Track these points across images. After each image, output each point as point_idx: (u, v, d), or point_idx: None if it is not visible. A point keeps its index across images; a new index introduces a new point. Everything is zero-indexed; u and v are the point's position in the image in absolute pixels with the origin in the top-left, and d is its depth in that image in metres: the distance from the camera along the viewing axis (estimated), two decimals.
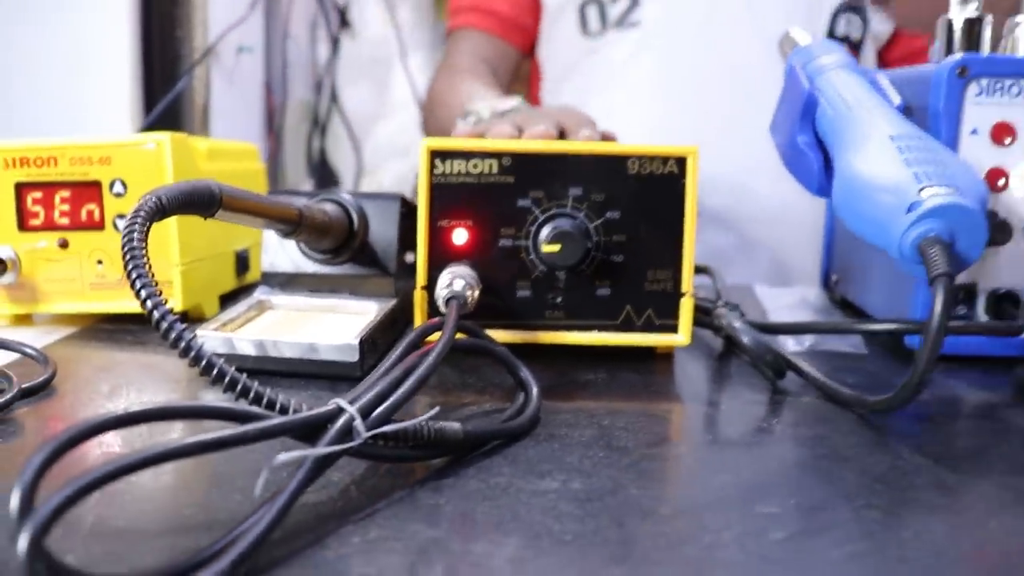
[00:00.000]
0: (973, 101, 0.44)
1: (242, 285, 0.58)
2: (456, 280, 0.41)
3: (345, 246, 0.49)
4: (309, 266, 0.49)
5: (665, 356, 0.46)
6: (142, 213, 0.31)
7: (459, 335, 0.40)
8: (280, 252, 0.50)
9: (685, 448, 0.34)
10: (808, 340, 0.49)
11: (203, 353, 0.28)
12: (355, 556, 0.24)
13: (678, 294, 0.44)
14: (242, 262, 0.58)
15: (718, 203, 0.84)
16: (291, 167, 1.08)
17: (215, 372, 0.28)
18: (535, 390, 0.37)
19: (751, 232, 0.87)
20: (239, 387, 0.28)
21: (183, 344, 0.28)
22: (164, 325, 0.28)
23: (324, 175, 1.14)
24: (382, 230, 0.48)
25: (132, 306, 0.29)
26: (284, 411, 0.28)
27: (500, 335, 0.43)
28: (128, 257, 0.30)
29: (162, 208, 0.32)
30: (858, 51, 0.97)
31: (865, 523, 0.27)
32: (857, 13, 0.93)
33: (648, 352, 0.46)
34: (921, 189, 0.36)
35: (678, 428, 0.37)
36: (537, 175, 0.43)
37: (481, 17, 0.99)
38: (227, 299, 0.54)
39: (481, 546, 0.25)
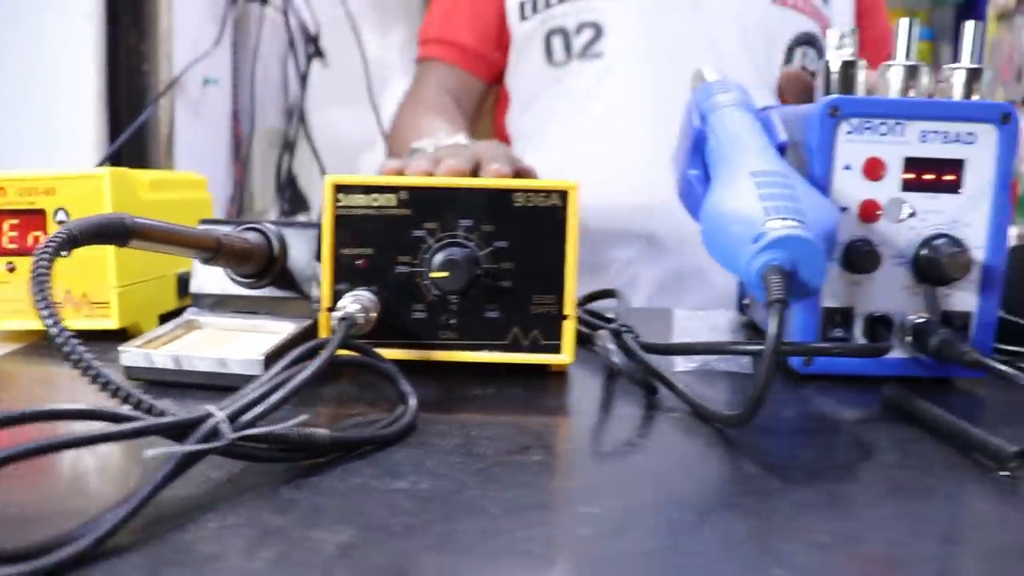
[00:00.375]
0: (845, 139, 0.48)
1: (184, 306, 0.61)
2: (351, 303, 0.45)
3: (267, 271, 0.52)
4: (234, 289, 0.53)
5: (559, 374, 0.49)
6: (53, 243, 0.34)
7: (349, 352, 0.44)
8: (208, 276, 0.54)
9: (541, 456, 0.37)
10: (698, 360, 0.52)
11: (91, 365, 0.32)
12: (207, 539, 0.28)
13: (561, 316, 0.47)
14: (183, 284, 0.61)
15: (675, 229, 0.87)
16: (259, 194, 1.13)
17: (101, 380, 0.32)
18: (413, 401, 0.41)
19: (705, 257, 0.90)
20: (121, 393, 0.32)
21: (75, 357, 0.32)
22: (60, 340, 0.32)
23: (294, 200, 1.18)
24: (301, 256, 0.52)
25: (71, 324, 0.33)
26: (160, 414, 0.32)
27: (399, 353, 0.47)
28: (34, 282, 0.33)
29: (73, 239, 0.35)
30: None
31: (673, 524, 0.31)
32: (812, 46, 0.98)
33: (543, 371, 0.49)
34: (767, 221, 0.40)
35: (542, 438, 0.39)
36: (431, 208, 0.47)
37: (446, 50, 1.04)
38: (169, 318, 0.58)
39: (318, 533, 0.28)
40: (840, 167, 0.48)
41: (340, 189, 0.48)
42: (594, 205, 0.74)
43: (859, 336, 0.49)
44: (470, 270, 0.46)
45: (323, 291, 0.48)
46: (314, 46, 1.15)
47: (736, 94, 0.54)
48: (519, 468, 0.35)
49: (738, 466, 0.37)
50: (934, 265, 0.47)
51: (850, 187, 0.48)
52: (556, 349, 0.48)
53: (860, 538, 0.30)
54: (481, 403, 0.44)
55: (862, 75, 0.50)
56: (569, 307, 0.47)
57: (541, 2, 0.98)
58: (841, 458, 0.38)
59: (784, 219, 0.40)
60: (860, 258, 0.48)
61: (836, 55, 0.50)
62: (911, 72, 0.49)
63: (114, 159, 0.85)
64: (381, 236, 0.48)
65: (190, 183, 0.68)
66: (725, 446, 0.39)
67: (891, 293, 0.49)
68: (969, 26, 0.49)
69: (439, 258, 0.46)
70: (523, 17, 0.99)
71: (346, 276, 0.48)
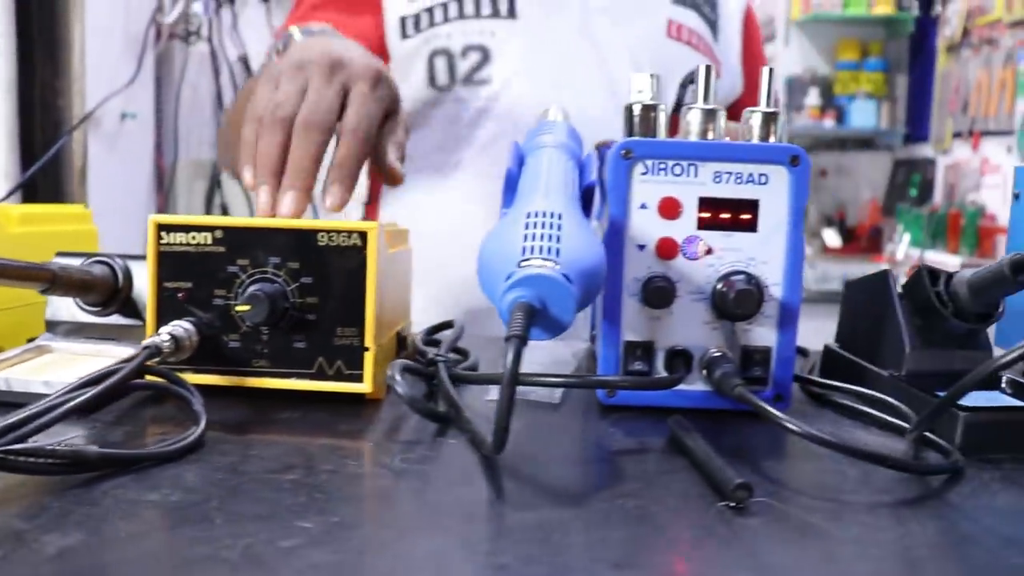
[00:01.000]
0: (640, 179, 0.50)
1: None
2: (164, 332, 0.47)
3: (112, 300, 0.55)
4: (83, 316, 0.56)
5: (373, 402, 0.51)
6: None
7: (152, 378, 0.47)
8: (61, 304, 0.57)
9: (298, 475, 0.39)
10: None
11: None
12: None
13: (363, 348, 0.49)
14: None
15: None
16: None
17: None
18: (202, 422, 0.43)
19: None
20: None
21: None
22: None
23: None
24: (146, 286, 0.54)
25: None
26: None
27: (217, 379, 0.51)
28: None
29: None
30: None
31: (365, 540, 0.32)
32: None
33: (360, 398, 0.51)
34: (522, 261, 0.42)
35: (312, 459, 0.41)
36: (243, 246, 0.50)
37: None
38: None
39: (49, 537, 0.31)
40: (636, 206, 0.50)
41: (162, 228, 0.50)
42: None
43: (661, 369, 0.51)
44: (273, 304, 0.48)
45: (148, 322, 0.51)
46: (248, 75, 1.19)
47: (556, 136, 0.56)
48: (268, 484, 0.37)
49: (479, 487, 0.38)
50: (725, 301, 0.49)
51: (647, 226, 0.50)
52: (359, 378, 0.50)
53: (536, 560, 0.31)
54: (281, 425, 0.47)
55: (662, 117, 0.52)
56: (370, 339, 0.49)
57: (424, 20, 0.92)
58: (582, 487, 0.40)
59: (538, 259, 0.42)
60: (655, 294, 0.49)
61: (637, 98, 0.52)
62: (709, 115, 0.51)
63: (28, 191, 0.88)
64: (200, 271, 0.50)
65: (71, 216, 0.71)
66: (479, 471, 0.41)
67: (691, 328, 0.51)
68: (766, 72, 0.51)
69: (246, 293, 0.49)
70: (404, 35, 0.93)
71: (169, 308, 0.50)
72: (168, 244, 0.51)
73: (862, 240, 2.54)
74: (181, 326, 0.49)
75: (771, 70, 0.51)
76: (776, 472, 0.42)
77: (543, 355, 0.64)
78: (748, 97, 1.08)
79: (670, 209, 0.50)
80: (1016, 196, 0.66)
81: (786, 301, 0.50)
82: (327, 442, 0.45)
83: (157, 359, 0.47)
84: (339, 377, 0.50)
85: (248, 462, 0.40)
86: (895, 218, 2.24)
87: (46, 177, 0.89)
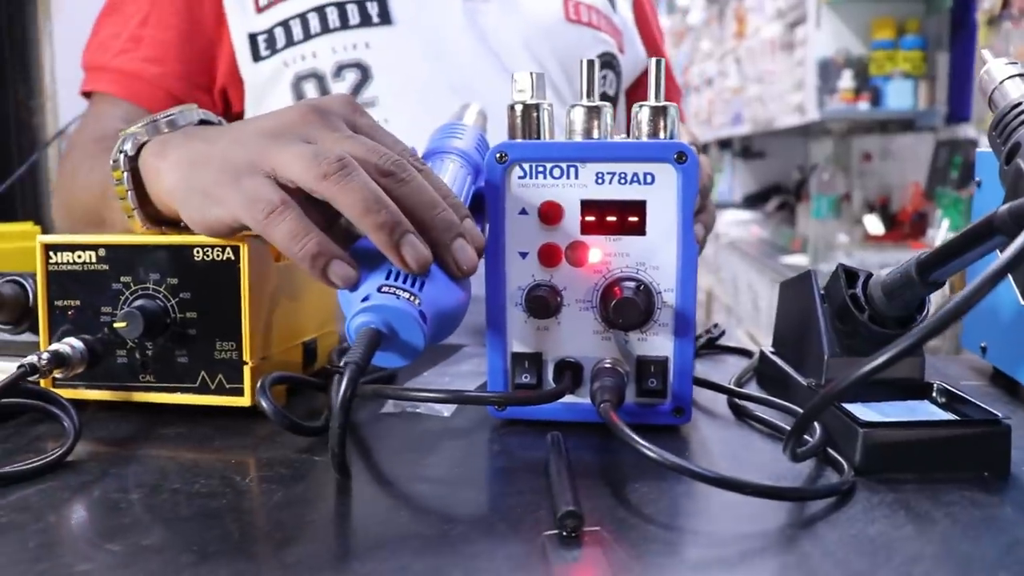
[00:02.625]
0: (518, 184, 0.47)
1: None
2: (41, 352, 0.47)
3: (24, 318, 0.56)
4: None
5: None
6: None
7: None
8: None
9: (141, 494, 0.38)
10: (401, 405, 0.52)
11: None
12: None
13: (242, 362, 0.48)
14: None
15: None
16: None
17: None
18: (70, 440, 0.43)
19: None
20: None
21: None
22: None
23: None
24: None
25: None
26: None
27: (107, 394, 0.51)
28: None
29: None
30: (615, 106, 0.93)
31: (157, 565, 0.32)
32: (612, 69, 0.92)
33: (253, 411, 0.50)
34: (381, 287, 0.40)
35: (166, 476, 0.41)
36: (125, 264, 0.50)
37: (129, 84, 0.79)
38: None
39: None
40: (516, 212, 0.48)
41: (49, 248, 0.51)
42: None
43: (550, 381, 0.49)
44: (150, 320, 0.48)
45: (41, 339, 0.51)
46: None
47: (463, 142, 0.54)
48: (104, 505, 0.38)
49: (295, 517, 0.37)
50: (606, 310, 0.46)
51: (528, 232, 0.48)
52: (240, 392, 0.49)
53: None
54: (160, 442, 0.47)
55: (545, 116, 0.49)
56: (248, 354, 0.49)
57: (281, 37, 0.78)
58: (420, 510, 0.38)
59: (397, 288, 0.40)
60: (535, 303, 0.47)
61: (519, 97, 0.49)
62: (592, 112, 0.48)
63: (7, 209, 0.90)
64: (87, 289, 0.50)
65: (18, 234, 0.72)
66: (331, 493, 0.39)
67: (580, 338, 0.48)
68: (653, 63, 0.48)
69: (123, 310, 0.48)
70: (257, 57, 0.79)
71: (60, 326, 0.51)
72: (56, 263, 0.51)
73: (905, 226, 2.42)
74: (70, 343, 0.49)
75: (660, 61, 0.48)
76: (638, 497, 0.39)
77: (455, 367, 0.62)
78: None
79: (551, 214, 0.47)
80: (978, 184, 0.61)
81: (681, 308, 0.47)
82: (194, 458, 0.44)
83: (36, 376, 0.47)
84: (221, 391, 0.50)
85: (103, 482, 0.40)
86: (935, 202, 2.13)
87: (23, 193, 0.92)
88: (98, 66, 0.80)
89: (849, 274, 0.50)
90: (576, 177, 0.47)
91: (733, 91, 3.73)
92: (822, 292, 0.52)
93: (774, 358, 0.57)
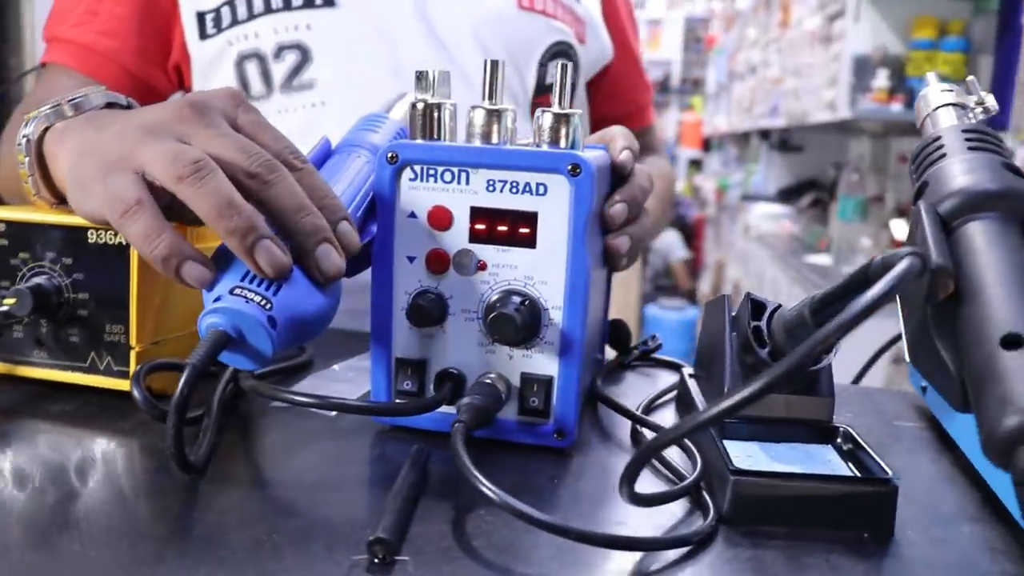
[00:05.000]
0: (408, 186, 0.45)
1: None
2: None
3: None
4: None
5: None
6: None
7: None
8: None
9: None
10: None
11: None
12: None
13: (128, 346, 0.48)
14: None
15: None
16: None
17: None
18: None
19: None
20: None
21: None
22: None
23: None
24: None
25: None
26: None
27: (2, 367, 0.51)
28: None
29: None
30: (572, 96, 0.91)
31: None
32: (568, 58, 0.87)
33: None
34: (233, 289, 0.39)
35: (40, 457, 0.41)
36: (24, 240, 0.50)
37: (82, 56, 0.78)
38: None
39: None
40: (405, 215, 0.46)
41: None
42: None
43: (431, 390, 0.47)
44: (42, 298, 0.48)
45: None
46: None
47: (381, 136, 0.52)
48: None
49: (106, 515, 0.36)
50: (484, 324, 0.44)
51: (417, 236, 0.46)
52: (126, 375, 0.49)
53: None
54: (43, 419, 0.47)
55: (446, 115, 0.47)
56: (134, 339, 0.48)
57: (226, 16, 0.78)
58: (231, 519, 0.37)
59: (250, 291, 0.39)
60: (415, 311, 0.45)
61: (423, 96, 0.47)
62: (492, 116, 0.45)
63: None
64: None
65: None
66: (176, 482, 0.38)
67: (465, 349, 0.46)
68: (559, 67, 0.45)
69: (15, 287, 0.48)
70: (204, 35, 0.78)
71: None
72: None
73: None
74: None
75: (565, 65, 0.45)
76: (476, 526, 0.37)
77: (349, 373, 0.61)
78: (621, 60, 0.96)
79: (440, 219, 0.45)
80: None
81: (568, 327, 0.45)
82: (67, 436, 0.44)
83: None
84: (109, 372, 0.49)
85: None
86: None
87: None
88: (54, 37, 0.80)
89: (756, 305, 0.47)
90: (467, 183, 0.45)
91: (773, 81, 3.63)
92: (733, 318, 0.49)
93: (690, 382, 0.54)
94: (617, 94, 0.96)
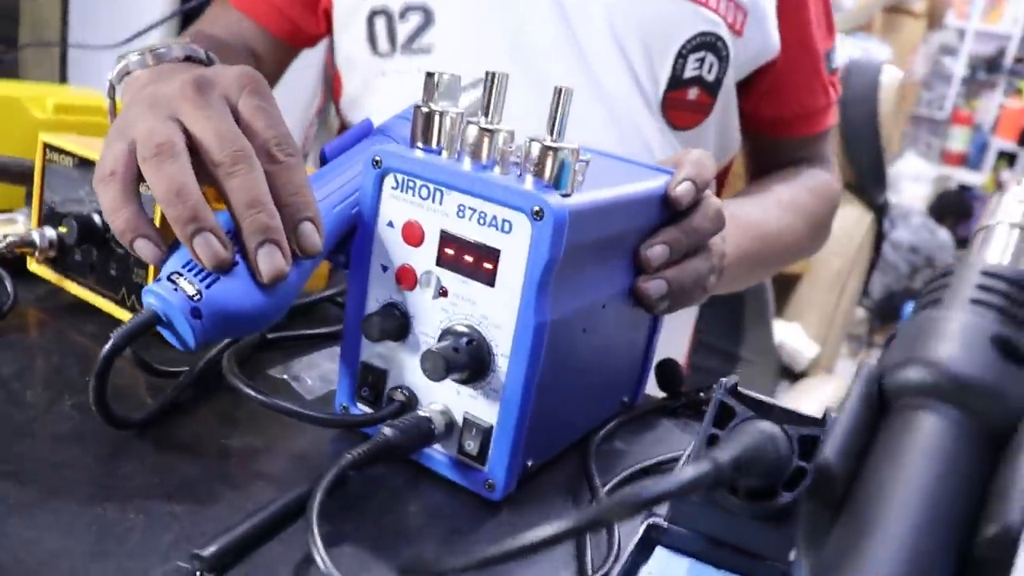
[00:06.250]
0: (390, 194, 0.44)
1: None
2: (18, 235, 0.56)
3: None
4: None
5: None
6: None
7: None
8: None
9: None
10: (289, 371, 0.52)
11: None
12: None
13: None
14: None
15: None
16: None
17: None
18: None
19: None
20: None
21: None
22: None
23: None
24: None
25: None
26: None
27: (51, 276, 0.58)
28: None
29: None
30: (714, 95, 0.79)
31: None
32: (713, 52, 0.77)
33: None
34: (173, 274, 0.40)
35: (32, 359, 0.47)
36: (88, 175, 0.55)
37: None
38: None
39: None
40: (384, 223, 0.44)
41: (47, 147, 0.57)
42: None
43: (386, 402, 0.46)
44: (89, 230, 0.54)
45: (32, 220, 0.59)
46: None
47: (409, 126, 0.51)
48: None
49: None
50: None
51: (391, 246, 0.44)
52: None
53: None
54: (76, 331, 0.54)
55: (447, 122, 0.44)
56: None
57: None
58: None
59: (189, 281, 0.40)
60: (367, 323, 0.44)
61: (424, 98, 0.44)
62: (484, 135, 0.42)
63: None
64: (66, 189, 0.56)
65: (87, 107, 0.77)
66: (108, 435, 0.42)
67: (420, 372, 0.44)
68: (561, 94, 0.40)
69: (71, 217, 0.54)
70: None
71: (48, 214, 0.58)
72: (50, 160, 0.57)
73: None
74: (41, 232, 0.56)
75: (562, 90, 0.40)
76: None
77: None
78: (793, 58, 0.82)
79: (413, 235, 0.43)
80: None
81: (511, 379, 0.41)
82: (72, 356, 0.49)
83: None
84: (133, 311, 0.54)
85: None
86: None
87: None
88: None
89: (724, 409, 0.39)
90: (440, 203, 0.42)
91: None
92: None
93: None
94: (781, 95, 0.84)
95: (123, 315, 0.54)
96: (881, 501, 0.24)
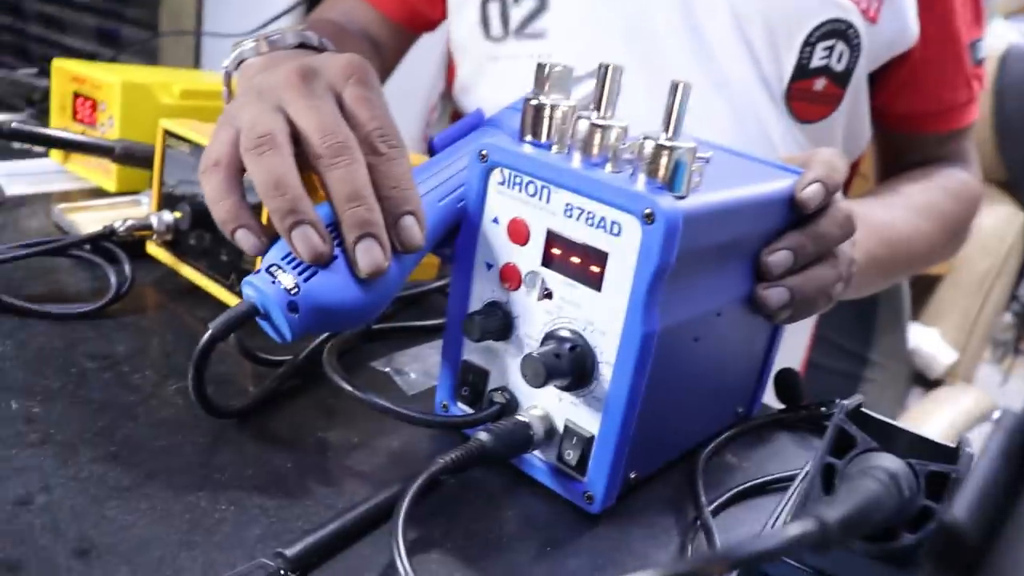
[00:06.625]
0: (496, 190, 0.42)
1: None
2: (134, 219, 0.57)
3: None
4: None
5: None
6: None
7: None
8: None
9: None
10: (390, 363, 0.51)
11: None
12: None
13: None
14: None
15: None
16: None
17: None
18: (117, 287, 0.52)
19: None
20: None
21: None
22: None
23: None
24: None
25: None
26: None
27: (166, 258, 0.59)
28: None
29: None
30: (843, 86, 0.73)
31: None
32: (844, 40, 0.70)
33: None
34: (272, 266, 0.40)
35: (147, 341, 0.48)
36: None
37: None
38: None
39: None
40: (490, 219, 0.42)
41: (167, 133, 0.58)
42: None
43: (486, 403, 0.44)
44: (199, 216, 0.55)
45: (152, 204, 0.60)
46: None
47: (491, 140, 0.49)
48: None
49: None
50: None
51: (496, 244, 0.42)
52: None
53: None
54: (189, 312, 0.55)
55: (559, 115, 0.41)
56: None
57: None
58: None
59: (287, 274, 0.39)
60: (470, 325, 0.42)
61: (533, 94, 0.42)
62: (595, 130, 0.39)
63: None
64: (184, 174, 0.57)
65: (211, 92, 0.79)
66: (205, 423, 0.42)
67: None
68: (679, 88, 0.37)
69: (186, 202, 0.55)
70: None
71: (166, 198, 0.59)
72: (169, 146, 0.58)
73: None
74: (159, 216, 0.57)
75: (679, 85, 0.37)
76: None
77: None
78: (934, 48, 0.74)
79: (518, 233, 0.41)
80: None
81: (615, 389, 0.39)
82: (179, 343, 0.50)
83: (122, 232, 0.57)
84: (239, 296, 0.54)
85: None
86: None
87: None
88: None
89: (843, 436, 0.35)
90: (547, 201, 0.40)
91: None
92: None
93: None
94: (918, 88, 0.76)
95: (232, 301, 0.55)
96: None
